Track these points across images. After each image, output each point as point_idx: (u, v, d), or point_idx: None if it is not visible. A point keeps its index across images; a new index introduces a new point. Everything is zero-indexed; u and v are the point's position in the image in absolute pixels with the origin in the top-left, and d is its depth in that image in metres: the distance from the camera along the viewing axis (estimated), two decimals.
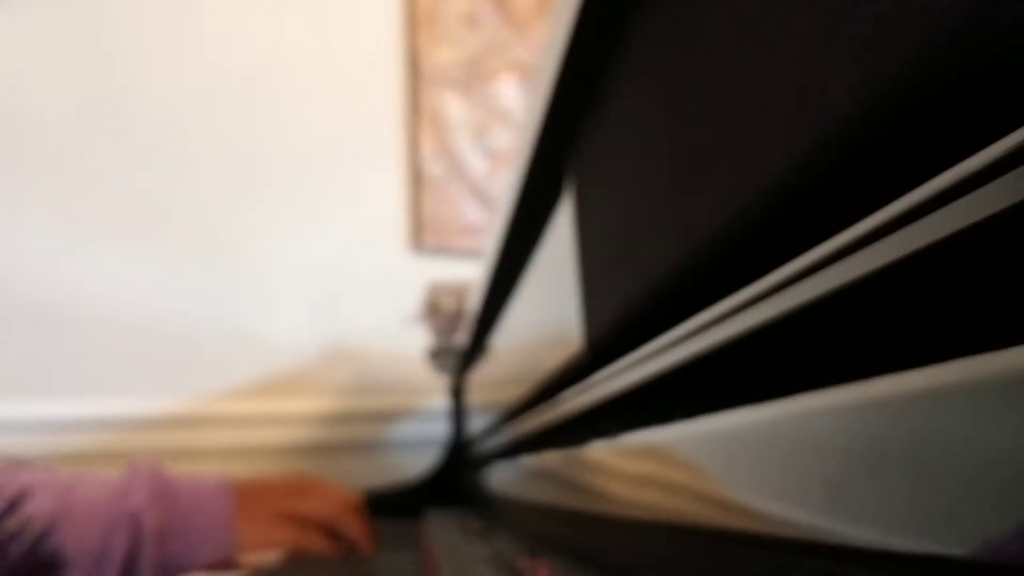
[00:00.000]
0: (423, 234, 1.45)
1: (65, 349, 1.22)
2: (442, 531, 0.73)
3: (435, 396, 1.30)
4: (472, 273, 0.89)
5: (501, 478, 0.73)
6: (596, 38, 0.34)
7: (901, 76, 0.15)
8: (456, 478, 1.11)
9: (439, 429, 1.25)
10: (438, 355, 1.16)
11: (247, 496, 0.73)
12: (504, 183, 0.64)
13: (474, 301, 0.82)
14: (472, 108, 1.50)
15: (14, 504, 0.62)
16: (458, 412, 1.15)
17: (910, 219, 0.14)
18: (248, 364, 1.31)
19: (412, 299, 1.26)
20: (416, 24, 1.49)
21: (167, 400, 1.25)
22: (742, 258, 0.23)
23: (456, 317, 1.15)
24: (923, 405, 0.14)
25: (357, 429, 1.33)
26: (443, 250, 1.45)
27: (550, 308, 0.48)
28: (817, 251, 0.17)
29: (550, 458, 0.49)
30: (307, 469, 1.28)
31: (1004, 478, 0.12)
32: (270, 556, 0.69)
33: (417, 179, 1.46)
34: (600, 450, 0.37)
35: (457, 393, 1.16)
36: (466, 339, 0.97)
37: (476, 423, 0.96)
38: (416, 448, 1.32)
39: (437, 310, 1.19)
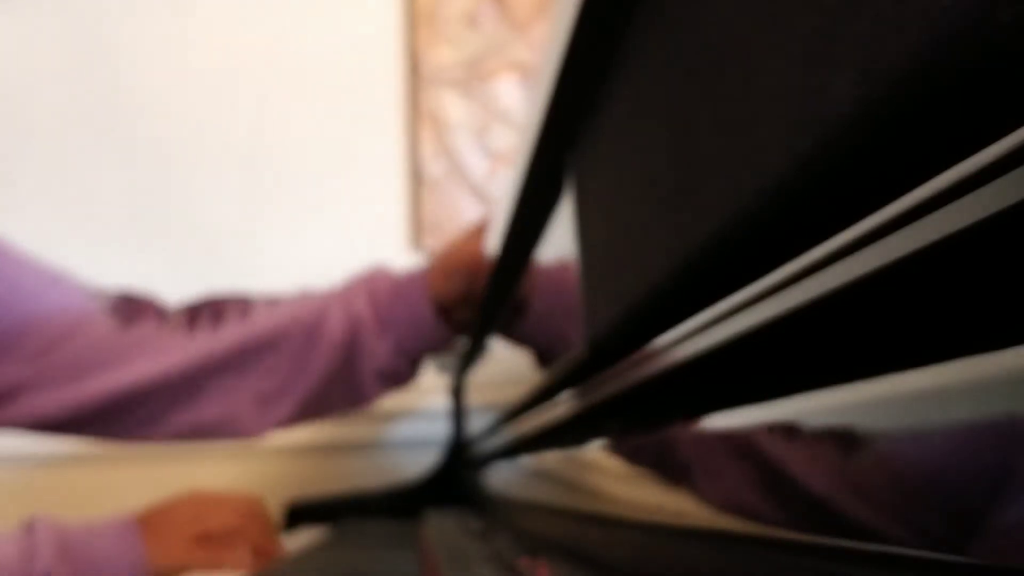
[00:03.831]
0: (423, 234, 1.45)
1: None
2: (442, 531, 0.73)
3: (435, 396, 1.30)
4: None
5: (501, 478, 0.73)
6: (596, 38, 0.34)
7: (901, 76, 0.15)
8: (456, 478, 1.11)
9: (439, 429, 1.25)
10: (438, 355, 1.16)
11: (151, 527, 0.73)
12: (504, 183, 0.64)
13: None
14: (472, 108, 1.50)
15: None
16: (458, 412, 1.15)
17: (910, 219, 0.14)
18: None
19: None
20: (416, 24, 1.49)
21: None
22: (742, 258, 0.23)
23: None
24: (923, 405, 0.14)
25: (357, 429, 1.33)
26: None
27: None
28: (817, 251, 0.17)
29: (550, 458, 0.49)
30: (307, 469, 1.28)
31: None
32: None
33: (417, 179, 1.46)
34: (600, 450, 0.37)
35: (457, 393, 1.16)
36: (466, 339, 0.97)
37: (476, 423, 0.96)
38: (416, 448, 1.32)
39: None
